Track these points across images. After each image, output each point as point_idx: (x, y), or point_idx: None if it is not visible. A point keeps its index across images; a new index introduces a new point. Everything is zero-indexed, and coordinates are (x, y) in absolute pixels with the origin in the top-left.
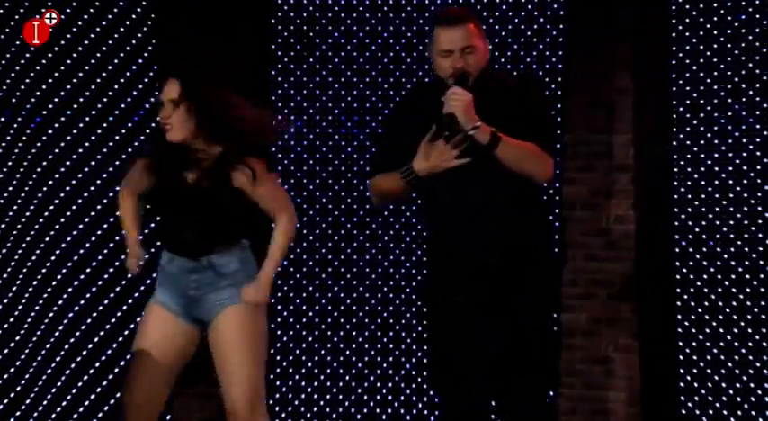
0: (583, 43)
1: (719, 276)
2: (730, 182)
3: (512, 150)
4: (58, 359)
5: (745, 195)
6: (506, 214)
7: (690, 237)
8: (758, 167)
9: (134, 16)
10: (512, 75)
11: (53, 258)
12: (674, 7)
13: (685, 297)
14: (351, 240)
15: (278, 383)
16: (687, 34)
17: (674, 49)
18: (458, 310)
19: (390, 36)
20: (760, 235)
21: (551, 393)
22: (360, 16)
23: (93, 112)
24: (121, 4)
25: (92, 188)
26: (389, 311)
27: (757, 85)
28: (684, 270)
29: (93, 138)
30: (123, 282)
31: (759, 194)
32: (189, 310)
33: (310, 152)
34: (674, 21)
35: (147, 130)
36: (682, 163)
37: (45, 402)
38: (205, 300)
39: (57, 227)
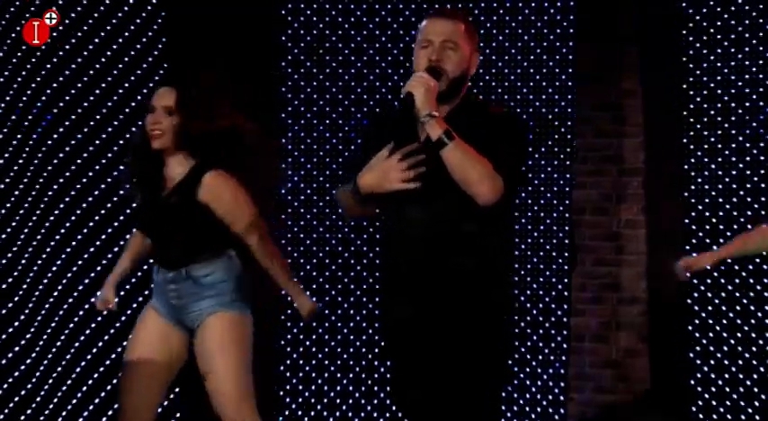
0: (591, 47)
1: (730, 280)
2: (741, 186)
3: (461, 155)
4: (63, 360)
5: (757, 198)
6: (455, 246)
7: (701, 239)
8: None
9: (146, 36)
10: (498, 107)
11: (60, 260)
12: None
13: (697, 301)
14: (349, 243)
15: (275, 387)
16: (691, 38)
17: (683, 59)
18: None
19: (400, 53)
20: None
21: None
22: (370, 33)
23: (98, 116)
24: (127, 8)
25: (95, 191)
26: None
27: (760, 90)
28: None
29: (97, 142)
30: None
31: None
32: (176, 317)
33: (320, 168)
34: (684, 32)
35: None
36: (693, 165)
37: (51, 405)
38: (187, 309)
39: (62, 230)
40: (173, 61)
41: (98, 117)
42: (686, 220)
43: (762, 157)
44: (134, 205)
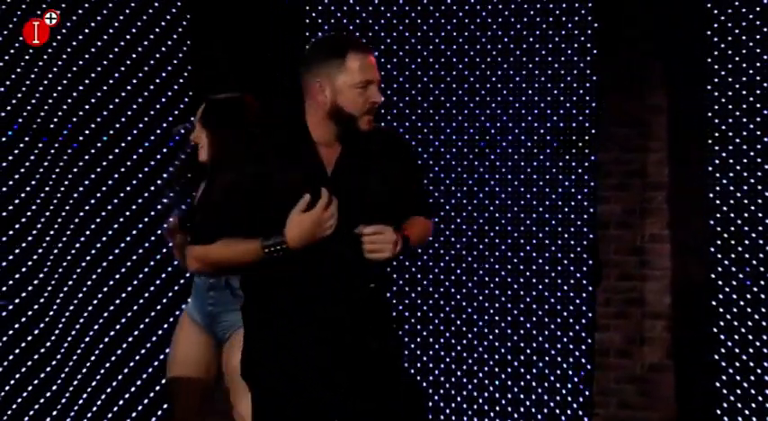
0: (615, 62)
1: (762, 295)
2: (764, 198)
3: (415, 242)
4: (92, 359)
5: None
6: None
7: (730, 255)
8: None
9: (166, 21)
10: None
11: (84, 262)
12: (714, 24)
13: (726, 316)
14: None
15: None
16: (729, 52)
17: (714, 66)
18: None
19: (418, 42)
20: None
21: None
22: (388, 23)
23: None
24: (155, 7)
25: (100, 191)
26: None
27: None
28: (726, 289)
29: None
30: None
31: None
32: (210, 326)
33: None
34: (715, 39)
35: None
36: (720, 180)
37: (79, 403)
38: (220, 319)
39: (67, 231)
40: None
41: (98, 119)
42: (710, 234)
43: None
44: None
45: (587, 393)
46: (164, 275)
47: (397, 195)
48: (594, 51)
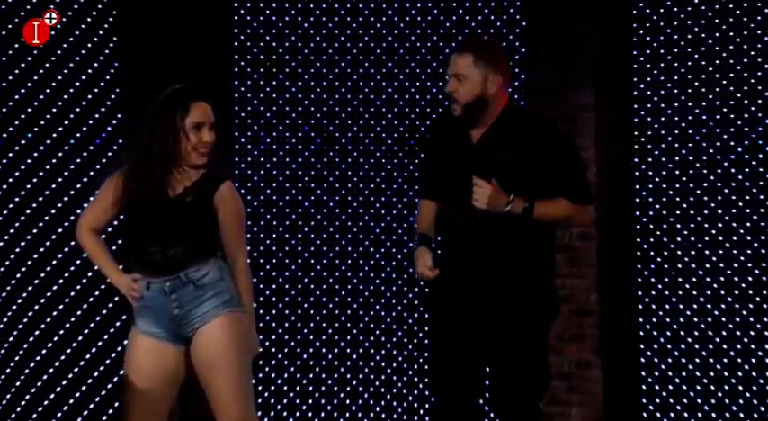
0: (543, 61)
1: (692, 292)
2: (684, 198)
3: (545, 215)
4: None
5: (700, 212)
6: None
7: (652, 252)
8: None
9: (99, 33)
10: (536, 112)
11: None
12: (634, 37)
13: (657, 312)
14: (321, 257)
15: (272, 401)
16: (648, 65)
17: (634, 79)
18: (457, 309)
19: (359, 52)
20: (726, 245)
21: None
22: (329, 33)
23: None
24: (85, 24)
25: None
26: (371, 316)
27: (718, 116)
28: (646, 284)
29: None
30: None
31: (720, 203)
32: (174, 332)
33: (280, 168)
34: (634, 52)
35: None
36: (639, 179)
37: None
38: (189, 317)
39: (60, 230)
40: (128, 54)
41: (97, 117)
42: (638, 233)
43: (704, 171)
44: (132, 210)
45: None
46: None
47: (533, 172)
48: (523, 49)
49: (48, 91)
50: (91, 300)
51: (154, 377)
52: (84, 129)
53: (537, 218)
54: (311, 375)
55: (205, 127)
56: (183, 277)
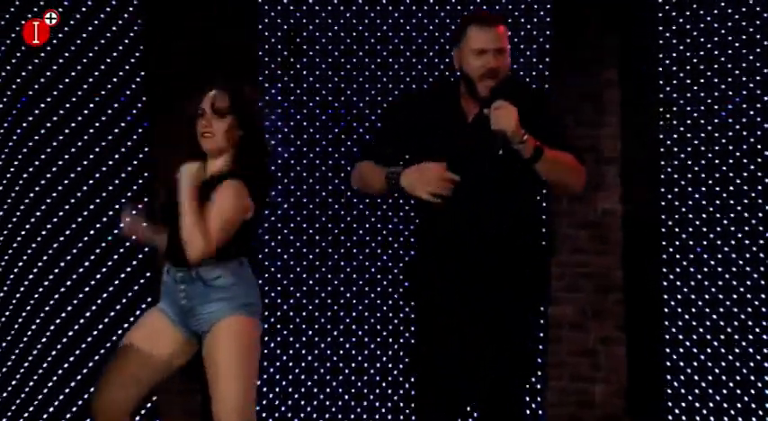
0: (569, 35)
1: (718, 268)
2: (719, 172)
3: (552, 163)
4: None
5: (726, 187)
6: (504, 209)
7: (677, 229)
8: (745, 159)
9: (120, 21)
10: (528, 84)
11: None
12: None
13: (682, 289)
14: (338, 246)
15: (276, 402)
16: (674, 41)
17: (660, 55)
18: (446, 308)
19: (377, 42)
20: (752, 221)
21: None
22: (347, 22)
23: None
24: (106, 12)
25: (84, 187)
26: (377, 317)
27: (744, 92)
28: (683, 263)
29: (85, 137)
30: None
31: (746, 179)
32: (184, 321)
33: (297, 158)
34: (660, 27)
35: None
36: (678, 154)
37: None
38: (195, 312)
39: (67, 231)
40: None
41: (103, 118)
42: (664, 210)
43: (730, 147)
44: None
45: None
46: (123, 275)
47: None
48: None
49: (73, 74)
50: (106, 294)
51: (149, 349)
52: (104, 118)
53: (543, 166)
54: (316, 377)
55: (207, 114)
56: (193, 273)
